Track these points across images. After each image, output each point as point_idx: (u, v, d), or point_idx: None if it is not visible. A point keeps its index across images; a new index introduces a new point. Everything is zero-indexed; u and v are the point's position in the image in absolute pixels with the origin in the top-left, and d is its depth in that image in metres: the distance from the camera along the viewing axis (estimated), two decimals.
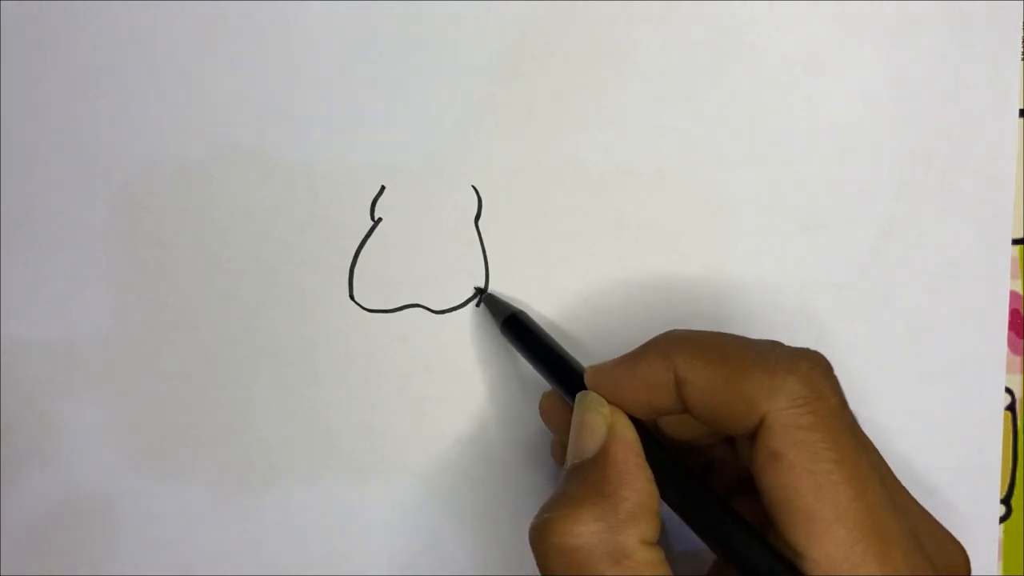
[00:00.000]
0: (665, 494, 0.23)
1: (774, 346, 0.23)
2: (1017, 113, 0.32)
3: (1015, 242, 0.32)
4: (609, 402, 0.25)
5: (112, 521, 0.30)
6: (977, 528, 0.32)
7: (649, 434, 0.24)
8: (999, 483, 0.32)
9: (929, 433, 0.32)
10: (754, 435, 0.22)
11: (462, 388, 0.31)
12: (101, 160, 0.30)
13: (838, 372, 0.23)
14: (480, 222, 0.31)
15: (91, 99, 0.30)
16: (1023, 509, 0.32)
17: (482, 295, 0.30)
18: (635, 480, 0.23)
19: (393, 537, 0.31)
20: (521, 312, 0.29)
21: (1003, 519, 0.32)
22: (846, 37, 0.31)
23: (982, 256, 0.32)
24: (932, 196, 0.32)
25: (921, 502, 0.25)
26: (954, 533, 0.25)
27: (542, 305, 0.31)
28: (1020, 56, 0.31)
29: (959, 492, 0.32)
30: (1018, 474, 0.32)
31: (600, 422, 0.24)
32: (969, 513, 0.32)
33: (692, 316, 0.31)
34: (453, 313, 0.31)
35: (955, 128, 0.31)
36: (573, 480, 0.24)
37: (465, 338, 0.31)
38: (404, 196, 0.31)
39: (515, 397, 0.31)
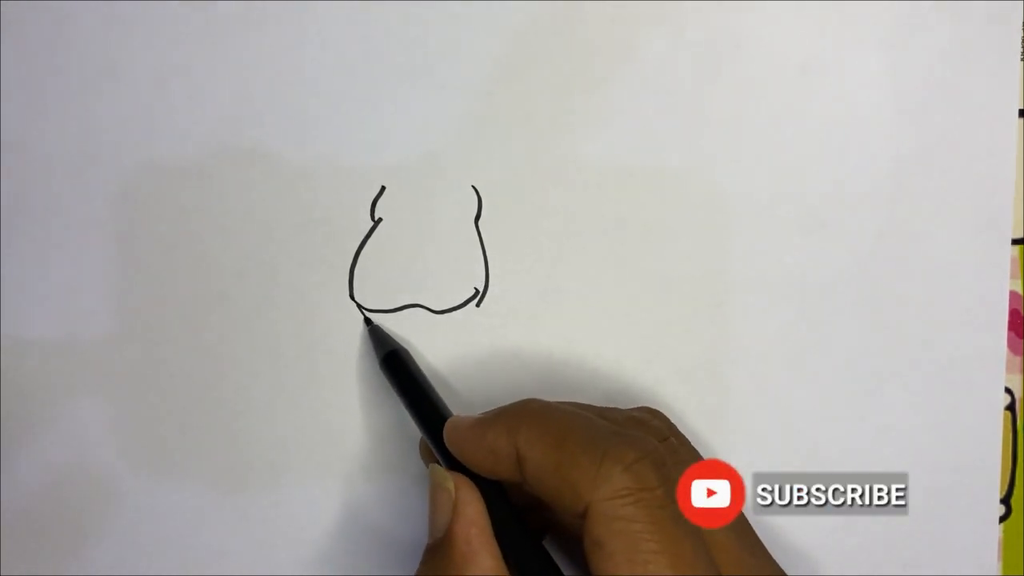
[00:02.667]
0: (512, 567, 0.24)
1: (610, 433, 0.23)
2: (1017, 113, 0.32)
3: (1015, 242, 0.32)
4: (462, 461, 0.25)
5: (112, 520, 0.30)
6: (977, 528, 0.32)
7: (501, 500, 0.25)
8: (999, 483, 0.32)
9: (929, 433, 0.32)
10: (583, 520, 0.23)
11: (461, 388, 0.31)
12: (101, 159, 0.30)
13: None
14: (480, 222, 0.31)
15: (91, 99, 0.30)
16: (1023, 509, 0.32)
17: (369, 325, 0.30)
18: (480, 559, 0.23)
19: (393, 537, 0.31)
20: (403, 350, 0.29)
21: (1003, 519, 0.32)
22: (846, 37, 0.31)
23: (982, 256, 0.32)
24: (932, 196, 0.32)
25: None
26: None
27: (542, 305, 0.31)
28: (1020, 56, 0.31)
29: (959, 492, 0.32)
30: (1018, 474, 0.32)
31: (445, 500, 0.25)
32: (969, 513, 0.32)
33: (692, 316, 0.31)
34: (453, 313, 0.31)
35: (955, 128, 0.31)
36: (427, 562, 0.24)
37: (465, 338, 0.31)
38: (404, 196, 0.31)
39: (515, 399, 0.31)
